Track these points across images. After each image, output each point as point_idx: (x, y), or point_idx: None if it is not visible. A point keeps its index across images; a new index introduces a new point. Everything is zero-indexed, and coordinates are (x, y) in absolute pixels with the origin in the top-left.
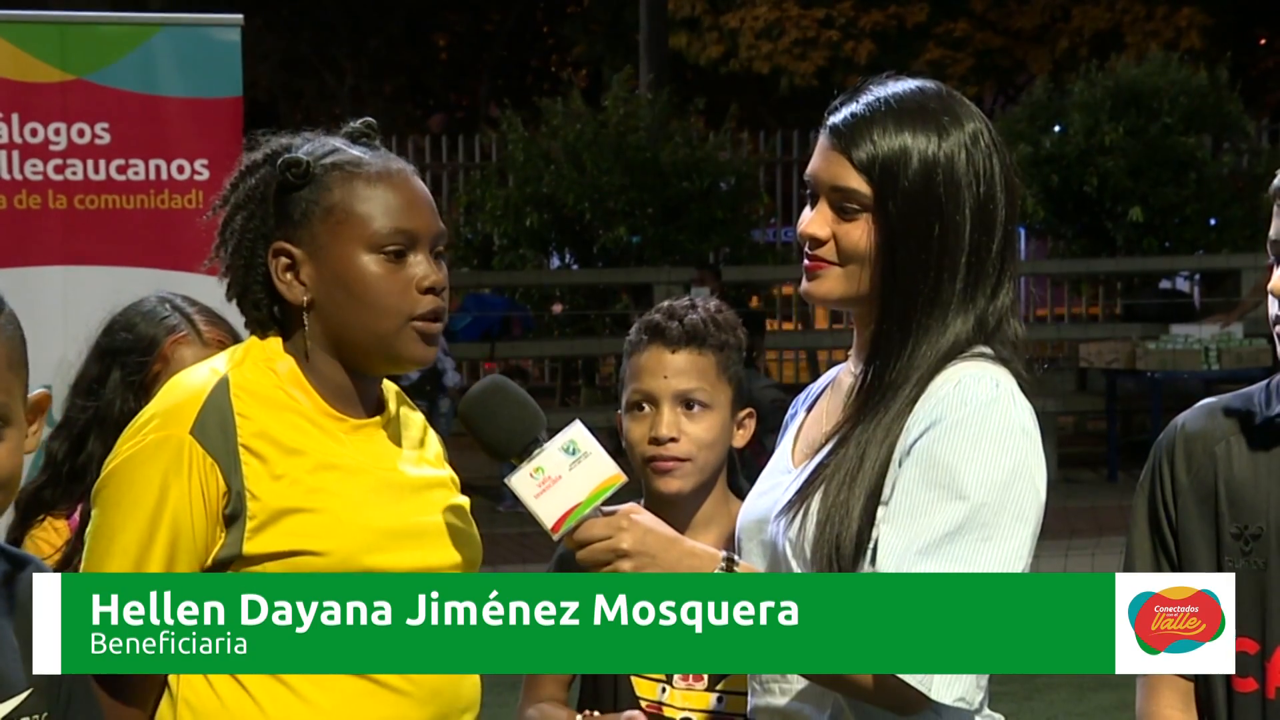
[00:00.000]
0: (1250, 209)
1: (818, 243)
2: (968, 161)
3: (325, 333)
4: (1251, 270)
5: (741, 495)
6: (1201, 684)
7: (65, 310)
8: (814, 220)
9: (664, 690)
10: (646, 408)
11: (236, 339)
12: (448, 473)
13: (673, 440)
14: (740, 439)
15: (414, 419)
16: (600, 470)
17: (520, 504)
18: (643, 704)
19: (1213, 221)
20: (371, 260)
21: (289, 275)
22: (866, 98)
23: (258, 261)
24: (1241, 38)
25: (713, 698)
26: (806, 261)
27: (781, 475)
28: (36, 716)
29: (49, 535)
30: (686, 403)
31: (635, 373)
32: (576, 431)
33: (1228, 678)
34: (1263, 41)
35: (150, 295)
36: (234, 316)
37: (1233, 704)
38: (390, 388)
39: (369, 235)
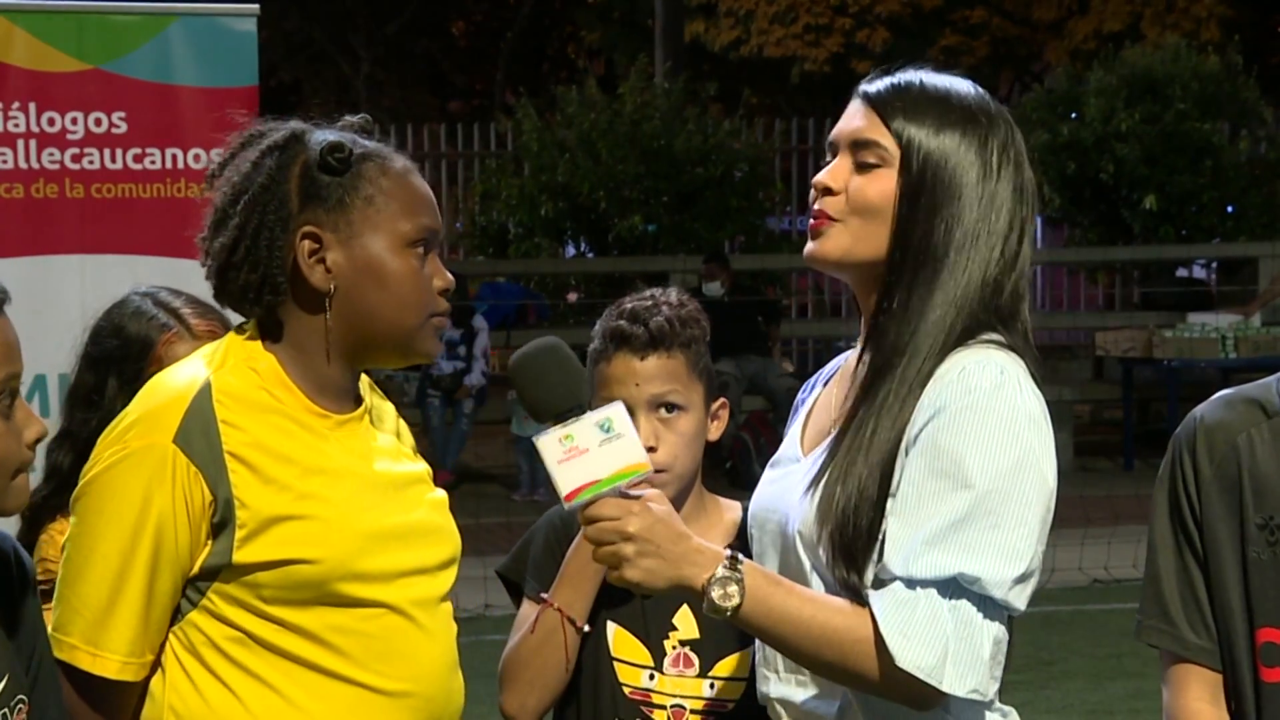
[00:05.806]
0: (1268, 196)
1: (829, 192)
2: (983, 153)
3: (342, 321)
4: (1269, 258)
5: (746, 487)
6: (1229, 674)
7: (82, 299)
8: (829, 170)
9: (651, 677)
10: None
11: (228, 326)
12: (423, 466)
13: (651, 449)
14: (715, 431)
15: (387, 409)
16: (628, 454)
17: (543, 464)
18: (626, 690)
19: (1230, 209)
20: (402, 254)
21: (313, 260)
22: (903, 73)
23: (278, 244)
24: (1260, 26)
25: (705, 684)
26: (811, 220)
27: (791, 464)
28: (22, 698)
29: (66, 528)
30: (664, 406)
31: (604, 381)
32: (615, 411)
33: (1255, 668)
34: None
35: (131, 293)
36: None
37: (1260, 694)
38: (362, 378)
39: (403, 230)
